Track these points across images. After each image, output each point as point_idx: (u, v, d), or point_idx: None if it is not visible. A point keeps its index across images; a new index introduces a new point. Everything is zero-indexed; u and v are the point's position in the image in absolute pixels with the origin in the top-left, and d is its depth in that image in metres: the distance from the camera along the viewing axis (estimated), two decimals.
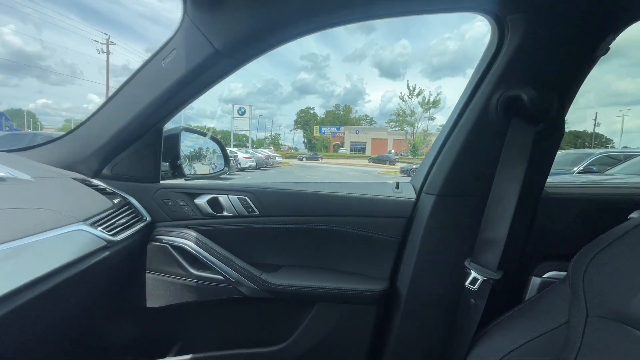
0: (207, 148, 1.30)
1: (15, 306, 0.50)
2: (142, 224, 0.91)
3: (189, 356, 1.03)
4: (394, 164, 32.64)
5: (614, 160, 6.41)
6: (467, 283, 0.76)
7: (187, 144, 1.18)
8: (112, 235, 0.76)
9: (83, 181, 0.88)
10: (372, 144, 57.34)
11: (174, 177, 1.07)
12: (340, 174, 21.40)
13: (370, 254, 1.00)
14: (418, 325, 0.93)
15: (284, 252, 1.04)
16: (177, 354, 1.06)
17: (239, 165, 16.45)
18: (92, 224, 0.72)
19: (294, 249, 1.03)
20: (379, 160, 36.74)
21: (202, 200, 0.99)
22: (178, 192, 0.99)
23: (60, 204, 0.70)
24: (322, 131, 68.12)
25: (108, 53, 29.69)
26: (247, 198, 0.99)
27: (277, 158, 26.99)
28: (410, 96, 32.49)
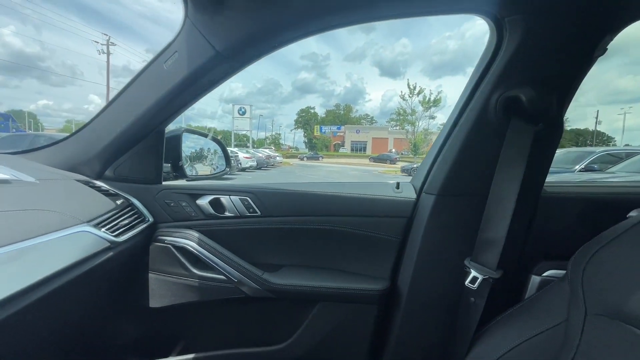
0: (208, 149, 1.30)
1: (21, 307, 0.51)
2: (144, 225, 0.91)
3: (191, 355, 1.04)
4: (394, 163, 32.63)
5: (616, 159, 6.39)
6: (467, 282, 0.77)
7: (189, 145, 1.18)
8: (116, 236, 0.77)
9: (86, 183, 0.88)
10: (373, 143, 57.31)
11: (176, 178, 1.07)
12: (341, 173, 21.38)
13: (371, 253, 1.00)
14: (418, 324, 0.93)
15: (285, 252, 1.04)
16: (179, 354, 1.06)
17: (239, 165, 16.45)
18: (96, 225, 0.73)
19: (295, 249, 1.04)
20: (380, 159, 36.72)
21: (204, 201, 1.00)
22: (180, 193, 1.00)
23: (64, 205, 0.71)
24: (323, 131, 68.08)
25: (108, 54, 29.71)
26: (248, 198, 1.00)
27: (277, 158, 26.95)
28: (410, 95, 32.41)
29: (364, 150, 57.81)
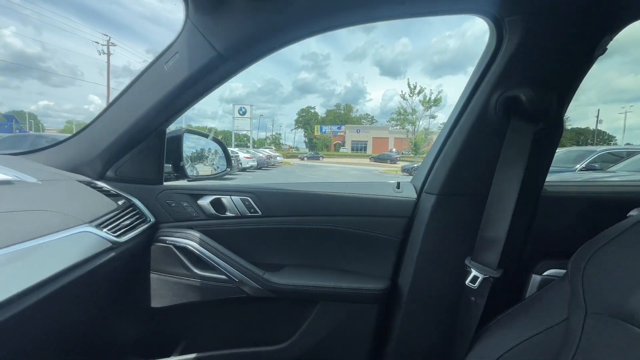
0: (209, 149, 1.31)
1: (24, 307, 0.51)
2: (146, 225, 0.92)
3: (193, 355, 1.05)
4: (395, 163, 32.61)
5: (617, 158, 6.37)
6: (467, 281, 0.77)
7: (190, 145, 1.19)
8: (117, 236, 0.77)
9: (88, 183, 0.89)
10: (373, 142, 57.27)
11: (177, 178, 1.08)
12: (342, 173, 21.39)
13: (371, 253, 1.01)
14: (419, 323, 0.93)
15: (286, 251, 1.05)
16: (181, 353, 1.07)
17: (240, 165, 16.46)
18: (98, 226, 0.73)
19: (296, 249, 1.04)
20: (381, 159, 36.71)
21: (205, 201, 1.00)
22: (181, 193, 1.01)
23: (67, 206, 0.71)
24: (323, 130, 68.07)
25: (109, 54, 29.76)
26: (249, 199, 1.00)
27: (278, 158, 26.96)
28: (411, 94, 32.37)
29: (365, 150, 57.75)
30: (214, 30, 0.75)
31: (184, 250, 0.97)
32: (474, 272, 0.76)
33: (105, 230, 0.75)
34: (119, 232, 0.79)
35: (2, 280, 0.50)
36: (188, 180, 1.09)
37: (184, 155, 1.08)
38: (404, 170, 20.78)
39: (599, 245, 0.59)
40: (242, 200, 1.00)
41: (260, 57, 0.83)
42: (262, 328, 1.07)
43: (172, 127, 1.01)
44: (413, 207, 0.96)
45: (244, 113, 36.80)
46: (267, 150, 30.88)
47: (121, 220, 0.83)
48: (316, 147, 63.06)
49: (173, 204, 1.00)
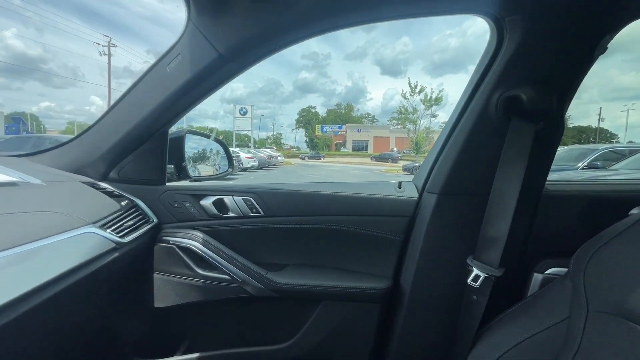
0: (211, 149, 1.31)
1: (29, 308, 0.52)
2: (149, 226, 0.92)
3: (196, 355, 1.05)
4: (396, 162, 32.54)
5: (619, 156, 6.36)
6: (469, 280, 0.77)
7: (191, 146, 1.19)
8: (121, 237, 0.78)
9: (91, 184, 0.89)
10: (375, 142, 57.17)
11: (179, 179, 1.08)
12: (343, 172, 21.37)
13: (373, 252, 1.01)
14: (421, 322, 0.94)
15: (288, 251, 1.05)
16: (184, 353, 1.07)
17: (241, 165, 16.48)
18: (101, 227, 0.74)
19: (298, 249, 1.05)
20: (382, 158, 36.65)
21: (207, 202, 1.01)
22: (184, 193, 1.01)
23: (71, 207, 0.72)
24: (324, 130, 68.00)
25: (109, 55, 29.82)
26: (251, 199, 1.01)
27: (279, 157, 26.96)
28: (412, 94, 32.30)
29: (366, 149, 57.67)
30: (215, 32, 0.76)
31: (187, 250, 0.97)
32: (475, 271, 0.76)
33: (108, 231, 0.75)
34: (122, 233, 0.79)
35: (8, 281, 0.50)
36: (190, 181, 1.09)
37: (186, 155, 1.09)
38: (405, 169, 20.76)
39: (601, 243, 0.59)
40: (245, 200, 1.01)
41: (261, 58, 0.84)
42: (264, 327, 1.08)
43: (174, 128, 1.02)
44: (414, 206, 0.97)
45: (245, 113, 36.83)
46: (268, 150, 30.89)
47: (124, 220, 0.83)
48: (317, 147, 63.02)
49: (176, 205, 1.00)
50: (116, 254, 0.75)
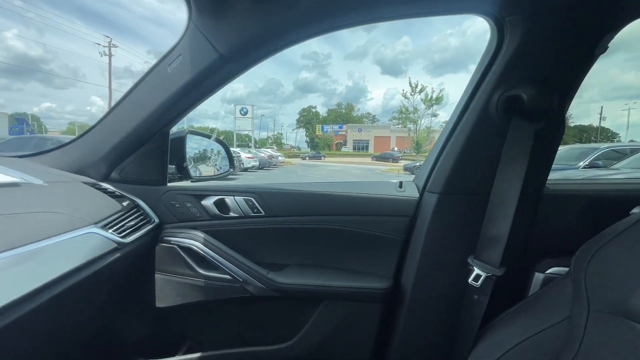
0: (212, 149, 1.32)
1: (32, 308, 0.52)
2: (150, 226, 0.93)
3: (197, 354, 1.05)
4: (397, 162, 32.52)
5: (620, 155, 6.35)
6: (470, 280, 0.77)
7: (192, 146, 1.19)
8: (122, 237, 0.78)
9: (93, 185, 0.90)
10: (375, 141, 57.11)
11: (181, 179, 1.09)
12: (344, 172, 21.38)
13: (374, 252, 1.01)
14: (422, 322, 0.94)
15: (289, 251, 1.05)
16: (186, 353, 1.08)
17: (242, 165, 16.50)
18: (103, 227, 0.74)
19: (299, 248, 1.05)
20: (382, 158, 36.60)
21: (208, 202, 1.01)
22: (185, 194, 1.01)
23: (73, 207, 0.72)
24: (325, 130, 67.97)
25: (110, 56, 29.85)
26: (252, 199, 1.01)
27: (279, 157, 26.98)
28: (412, 93, 32.23)
29: (366, 149, 57.61)
30: (216, 33, 0.76)
31: (188, 250, 0.97)
32: (476, 271, 0.76)
33: (110, 231, 0.75)
34: (124, 233, 0.79)
35: (11, 281, 0.50)
36: (191, 181, 1.09)
37: (187, 156, 1.09)
38: (406, 169, 20.73)
39: (602, 243, 0.59)
40: (246, 200, 1.01)
41: (262, 59, 0.84)
42: (266, 327, 1.08)
43: (175, 128, 1.02)
44: (415, 206, 0.97)
45: (246, 113, 36.86)
46: (268, 150, 30.88)
47: (126, 221, 0.84)
48: (318, 147, 62.99)
49: (177, 205, 1.01)
50: (118, 254, 0.75)
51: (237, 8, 0.72)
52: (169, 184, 1.03)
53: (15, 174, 0.72)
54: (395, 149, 46.88)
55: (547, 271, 0.88)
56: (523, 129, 0.74)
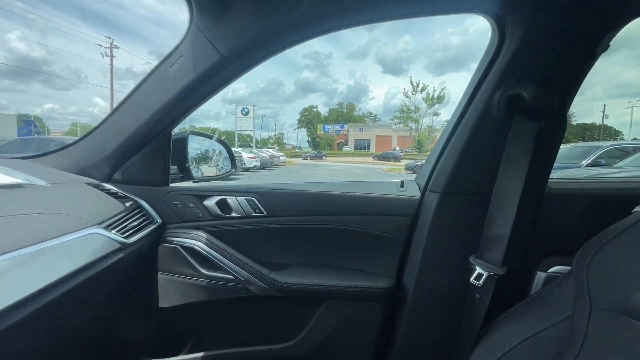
0: (214, 150, 1.32)
1: (36, 308, 0.53)
2: (153, 226, 0.93)
3: (200, 354, 1.06)
4: (399, 161, 32.47)
5: (623, 153, 6.32)
6: (472, 279, 0.77)
7: (194, 147, 1.20)
8: (125, 237, 0.78)
9: (96, 186, 0.90)
10: (377, 141, 57.04)
11: (183, 179, 1.09)
12: (345, 172, 21.37)
13: (376, 251, 1.01)
14: (424, 321, 0.94)
15: (291, 251, 1.06)
16: (188, 352, 1.08)
17: (243, 165, 16.51)
18: (106, 227, 0.75)
19: (301, 248, 1.05)
20: (384, 157, 36.55)
21: (210, 202, 1.01)
22: (187, 194, 1.02)
23: (76, 208, 0.73)
24: (326, 129, 67.93)
25: (112, 57, 29.93)
26: (254, 199, 1.01)
27: (281, 157, 26.98)
28: (414, 92, 32.13)
29: (368, 148, 57.54)
30: (218, 34, 0.76)
31: (191, 250, 0.98)
32: (478, 270, 0.76)
33: (113, 231, 0.76)
34: (127, 233, 0.80)
35: (16, 281, 0.51)
36: (193, 182, 1.10)
37: (189, 156, 1.09)
38: (408, 168, 20.69)
39: (604, 241, 0.59)
40: (247, 200, 1.01)
41: (264, 59, 0.84)
42: (268, 327, 1.08)
43: (176, 129, 1.02)
44: (417, 205, 0.97)
45: (247, 113, 36.89)
46: (270, 150, 30.88)
47: (129, 221, 0.84)
48: (319, 146, 62.95)
49: (179, 205, 1.01)
50: (121, 255, 0.76)
51: (238, 9, 0.72)
52: (171, 185, 1.04)
53: (19, 175, 0.73)
54: (397, 148, 46.84)
55: (549, 270, 0.88)
56: (524, 128, 0.73)
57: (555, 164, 0.86)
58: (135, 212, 0.91)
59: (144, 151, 0.96)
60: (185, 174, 1.08)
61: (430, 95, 31.51)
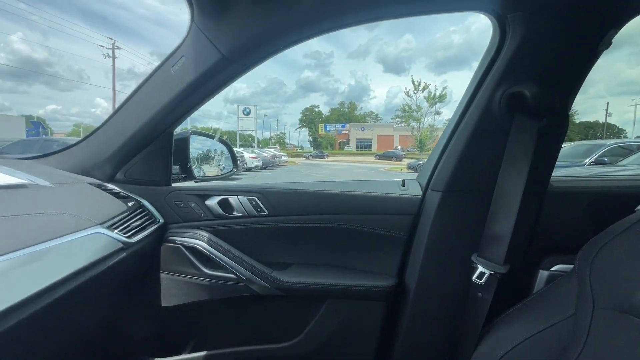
0: (215, 150, 1.32)
1: (40, 307, 0.53)
2: (155, 226, 0.93)
3: (203, 353, 1.06)
4: (400, 160, 32.41)
5: (627, 151, 6.28)
6: (474, 277, 0.77)
7: (196, 147, 1.20)
8: (128, 237, 0.79)
9: (98, 186, 0.91)
10: (378, 140, 56.95)
11: (185, 179, 1.09)
12: (347, 171, 21.36)
13: (378, 250, 1.01)
14: (426, 320, 0.94)
15: (293, 250, 1.06)
16: (191, 351, 1.09)
17: (245, 165, 16.54)
18: (109, 227, 0.75)
19: (303, 247, 1.05)
20: (386, 156, 36.48)
21: (212, 202, 1.02)
22: (189, 194, 1.02)
23: (79, 208, 0.73)
24: (328, 129, 67.86)
25: (114, 57, 30.02)
26: (256, 198, 1.01)
27: (283, 157, 26.99)
28: (415, 91, 32.12)
29: (370, 147, 57.45)
30: (219, 34, 0.76)
31: (193, 250, 0.98)
32: (480, 268, 0.76)
33: (116, 231, 0.76)
34: (129, 233, 0.80)
35: (20, 281, 0.51)
36: (195, 181, 1.10)
37: (191, 156, 1.10)
38: (409, 167, 20.66)
39: (607, 240, 0.59)
40: (249, 200, 1.01)
41: (264, 59, 0.84)
42: (270, 326, 1.08)
43: (178, 129, 1.03)
44: (419, 204, 0.97)
45: (248, 113, 36.90)
46: (271, 149, 30.91)
47: (131, 221, 0.85)
48: (321, 146, 62.91)
49: (181, 205, 1.01)
50: (124, 254, 0.76)
51: (239, 9, 0.73)
52: (173, 185, 1.04)
53: (22, 176, 0.73)
54: (399, 147, 46.75)
55: (552, 268, 0.88)
56: (526, 126, 0.73)
57: (558, 163, 0.85)
58: (138, 211, 0.91)
59: (146, 151, 0.96)
60: (187, 174, 1.08)
61: (432, 94, 31.51)
